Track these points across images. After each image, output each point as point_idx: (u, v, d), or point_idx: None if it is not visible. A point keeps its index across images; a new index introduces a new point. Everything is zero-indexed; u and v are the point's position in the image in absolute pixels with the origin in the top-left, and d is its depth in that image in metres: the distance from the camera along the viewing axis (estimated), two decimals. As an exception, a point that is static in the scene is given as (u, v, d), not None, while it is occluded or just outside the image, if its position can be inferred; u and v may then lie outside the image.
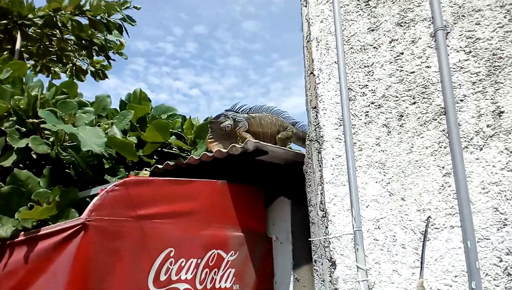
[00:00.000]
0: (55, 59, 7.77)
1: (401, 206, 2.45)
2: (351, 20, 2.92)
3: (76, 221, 2.57)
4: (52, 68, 7.99)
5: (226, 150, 3.04)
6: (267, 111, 3.85)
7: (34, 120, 3.37)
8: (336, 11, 2.95)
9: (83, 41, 7.20)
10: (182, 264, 2.90)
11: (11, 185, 3.05)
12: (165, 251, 2.83)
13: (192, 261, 2.95)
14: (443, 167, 2.37)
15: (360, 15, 2.88)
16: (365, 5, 2.87)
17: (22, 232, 2.85)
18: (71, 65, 7.98)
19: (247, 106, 3.84)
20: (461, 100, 2.39)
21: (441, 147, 2.40)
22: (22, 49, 7.19)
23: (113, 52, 7.58)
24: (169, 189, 2.97)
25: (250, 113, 3.77)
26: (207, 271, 3.03)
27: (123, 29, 6.76)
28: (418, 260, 2.33)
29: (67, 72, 8.04)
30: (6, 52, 6.71)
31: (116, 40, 7.27)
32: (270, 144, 3.01)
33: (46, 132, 3.46)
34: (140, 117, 4.17)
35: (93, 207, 2.59)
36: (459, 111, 2.38)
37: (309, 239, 2.77)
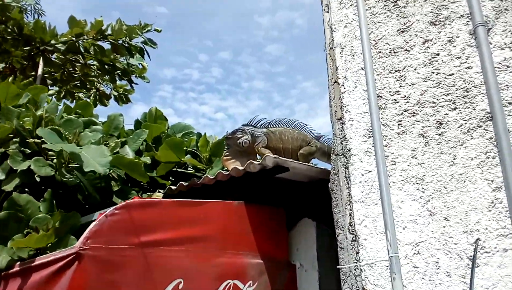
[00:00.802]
0: (78, 84, 7.80)
1: (444, 227, 2.11)
2: (378, 22, 2.65)
3: (70, 250, 2.30)
4: (76, 94, 8.01)
5: (243, 168, 2.78)
6: (288, 125, 3.55)
7: (36, 140, 3.19)
8: (362, 14, 2.69)
9: (106, 66, 7.18)
10: None
11: (8, 211, 2.82)
12: (173, 283, 2.52)
13: None
14: (492, 181, 2.04)
15: (388, 16, 2.62)
16: (394, 6, 2.61)
17: (18, 262, 2.62)
18: (94, 90, 7.99)
19: (266, 120, 3.56)
20: (510, 103, 2.08)
21: (488, 158, 2.07)
22: (45, 75, 7.25)
23: (136, 76, 7.55)
24: (178, 211, 2.68)
25: (270, 127, 3.48)
26: None
27: (145, 52, 6.71)
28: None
29: (91, 98, 8.05)
30: (30, 78, 6.75)
31: (138, 63, 7.23)
32: (291, 160, 2.73)
33: (50, 153, 3.27)
34: (156, 137, 3.96)
35: (89, 234, 2.32)
36: (508, 115, 2.06)
37: (337, 266, 2.44)
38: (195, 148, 3.71)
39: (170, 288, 2.51)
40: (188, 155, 3.64)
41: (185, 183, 3.19)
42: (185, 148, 3.61)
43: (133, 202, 2.55)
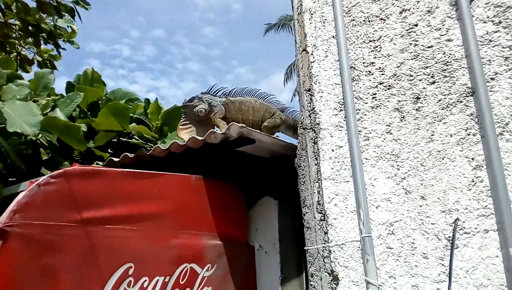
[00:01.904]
0: (-4, 46, 6.90)
1: (420, 206, 2.01)
2: (351, -12, 2.47)
3: None
4: (-7, 57, 7.10)
5: (202, 138, 2.49)
6: (251, 95, 3.27)
7: None
8: (334, -22, 2.49)
9: (30, 27, 6.37)
10: (145, 285, 2.26)
11: None
12: (122, 268, 2.18)
13: (158, 280, 2.31)
14: (472, 159, 1.95)
15: (362, -18, 2.44)
16: (369, -29, 2.43)
17: None
18: (15, 54, 7.11)
19: (226, 89, 3.25)
20: (492, 79, 1.99)
21: (469, 135, 1.98)
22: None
23: (64, 40, 6.80)
24: (128, 184, 2.32)
25: (229, 97, 3.18)
26: None
27: (76, 13, 6.02)
28: (445, 272, 1.89)
29: (11, 62, 7.18)
30: None
31: (67, 26, 6.51)
32: (257, 131, 2.48)
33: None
34: (92, 103, 3.46)
35: (18, 207, 1.89)
36: (490, 91, 1.97)
37: (304, 247, 2.26)
38: (143, 116, 3.28)
39: (119, 274, 2.16)
40: (133, 124, 3.21)
41: (130, 155, 2.83)
42: (130, 115, 3.16)
43: (73, 170, 2.13)
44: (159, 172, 2.47)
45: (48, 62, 7.26)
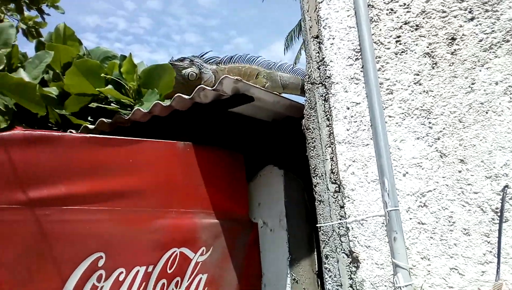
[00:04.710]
0: (-25, 14, 6.44)
1: (459, 172, 1.64)
2: None
3: None
4: (-27, 26, 6.65)
5: (189, 97, 2.09)
6: (240, 61, 2.97)
7: None
8: None
9: (10, -8, 5.92)
10: (121, 278, 1.88)
11: None
12: (88, 260, 1.80)
13: (138, 271, 1.93)
14: (525, 111, 1.57)
15: None
16: None
17: None
18: (-4, 22, 6.65)
19: (217, 58, 2.95)
20: (549, 9, 1.58)
21: (520, 81, 1.59)
22: None
23: (47, 5, 6.33)
24: (92, 153, 1.90)
25: (220, 65, 2.88)
26: (164, 284, 2.04)
27: (56, -25, 5.54)
28: (491, 252, 1.54)
29: (-7, 32, 6.72)
30: None
31: (50, -11, 6.02)
32: (257, 86, 2.09)
33: None
34: (66, 63, 2.96)
35: None
36: (548, 25, 1.57)
37: (316, 225, 1.91)
38: (119, 77, 2.84)
39: (84, 267, 1.77)
40: (110, 86, 2.76)
41: (107, 120, 2.44)
42: (105, 76, 2.70)
43: (12, 135, 1.67)
44: (136, 138, 2.06)
45: (33, 29, 6.81)
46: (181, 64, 2.68)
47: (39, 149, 1.74)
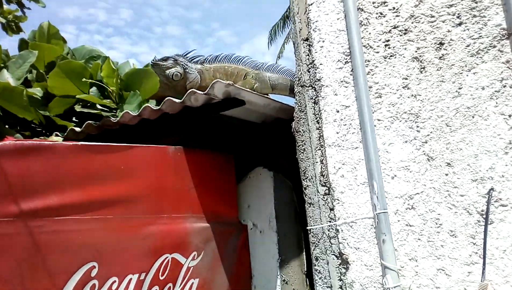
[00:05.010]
0: (-48, 8, 6.27)
1: (446, 175, 1.67)
2: None
3: None
4: (-48, 21, 6.47)
5: (180, 100, 2.08)
6: (226, 61, 2.88)
7: None
8: None
9: (-12, -16, 5.77)
10: (114, 287, 1.88)
11: None
12: (82, 270, 1.79)
13: (131, 279, 1.93)
14: (509, 116, 1.62)
15: None
16: None
17: None
18: (-25, 16, 6.49)
19: (202, 56, 2.87)
20: (534, 16, 1.61)
21: (505, 87, 1.64)
22: None
23: (28, -1, 6.19)
24: (84, 161, 1.89)
25: (205, 64, 2.79)
26: None
27: (38, -33, 5.42)
28: (477, 253, 1.58)
29: (-29, 25, 6.56)
30: None
31: (30, -18, 5.89)
32: (247, 90, 2.09)
33: None
34: (50, 63, 2.92)
35: None
36: (533, 32, 1.61)
37: (306, 227, 1.93)
38: (102, 79, 2.77)
39: (78, 278, 1.76)
40: (94, 88, 2.71)
41: (94, 123, 2.42)
42: (86, 80, 2.62)
43: (3, 146, 1.66)
44: (127, 144, 2.05)
45: (13, 24, 6.67)
46: (165, 63, 2.60)
47: (30, 159, 1.73)
